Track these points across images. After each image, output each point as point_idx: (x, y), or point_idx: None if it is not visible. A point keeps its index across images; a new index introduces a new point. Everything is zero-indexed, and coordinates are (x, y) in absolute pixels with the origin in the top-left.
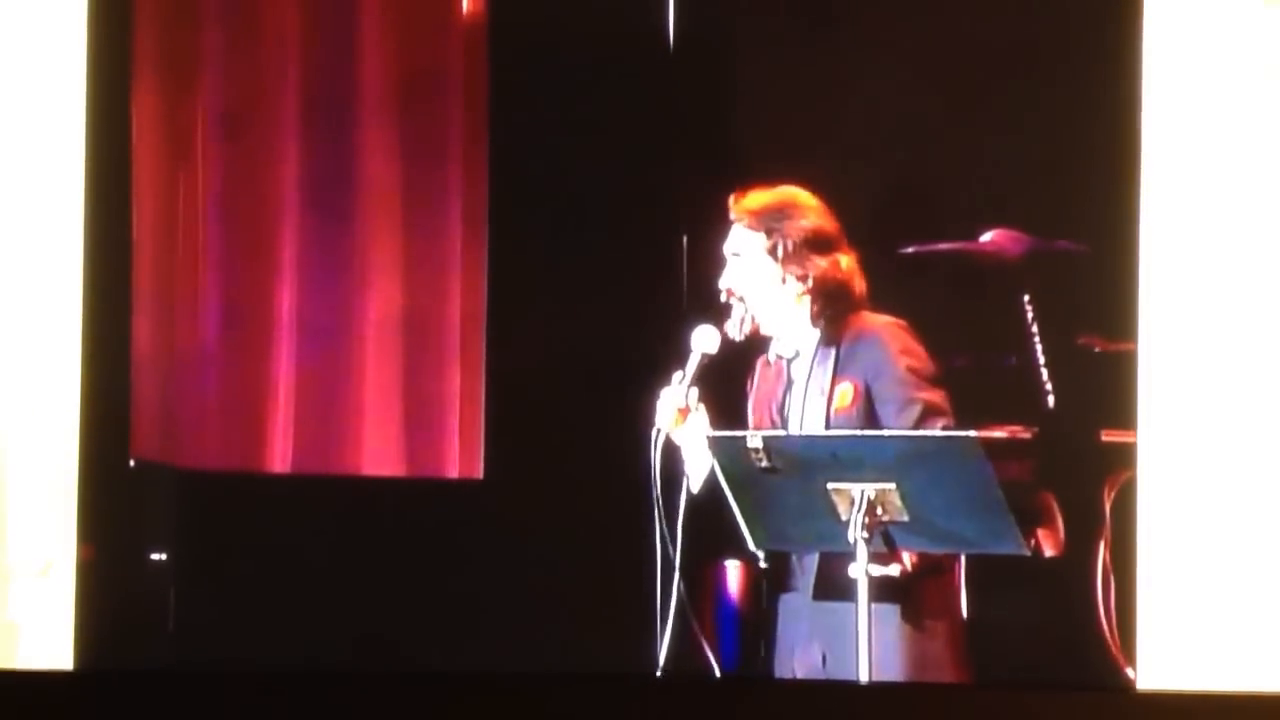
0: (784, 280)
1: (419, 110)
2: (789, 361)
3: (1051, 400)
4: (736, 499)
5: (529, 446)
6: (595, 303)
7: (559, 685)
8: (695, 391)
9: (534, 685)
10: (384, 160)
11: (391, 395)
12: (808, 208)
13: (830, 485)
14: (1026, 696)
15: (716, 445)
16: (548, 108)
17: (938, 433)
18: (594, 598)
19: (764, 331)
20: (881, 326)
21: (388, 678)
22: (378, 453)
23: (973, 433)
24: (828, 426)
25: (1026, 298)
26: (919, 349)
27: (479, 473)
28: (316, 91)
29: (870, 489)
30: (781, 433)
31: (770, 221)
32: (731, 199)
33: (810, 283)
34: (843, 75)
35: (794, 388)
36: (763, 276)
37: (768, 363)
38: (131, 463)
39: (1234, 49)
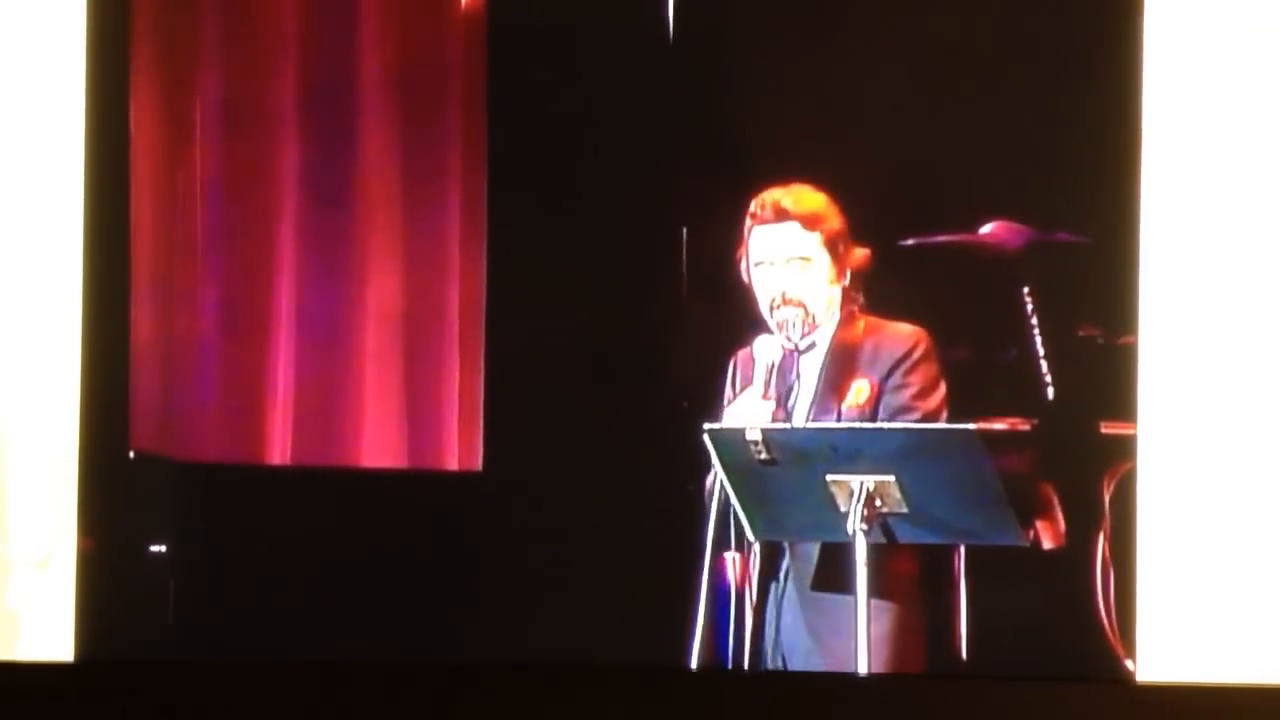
0: (837, 278)
1: (418, 102)
2: (800, 354)
3: (1051, 392)
4: (736, 490)
5: (528, 438)
6: (594, 294)
7: (558, 677)
8: (772, 404)
9: (533, 677)
10: (383, 152)
11: (390, 387)
12: (833, 204)
13: (829, 477)
14: (1025, 688)
15: (715, 437)
16: (546, 99)
17: (937, 425)
18: (593, 590)
19: (815, 330)
20: (911, 333)
21: (384, 669)
22: (377, 444)
23: (972, 425)
24: (839, 420)
25: (1026, 289)
26: (936, 360)
27: (478, 464)
28: (315, 83)
29: (869, 481)
30: (781, 425)
31: (822, 220)
32: (768, 201)
33: (848, 278)
34: (842, 68)
35: (803, 381)
36: (825, 277)
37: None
38: (131, 455)
39: (1235, 40)
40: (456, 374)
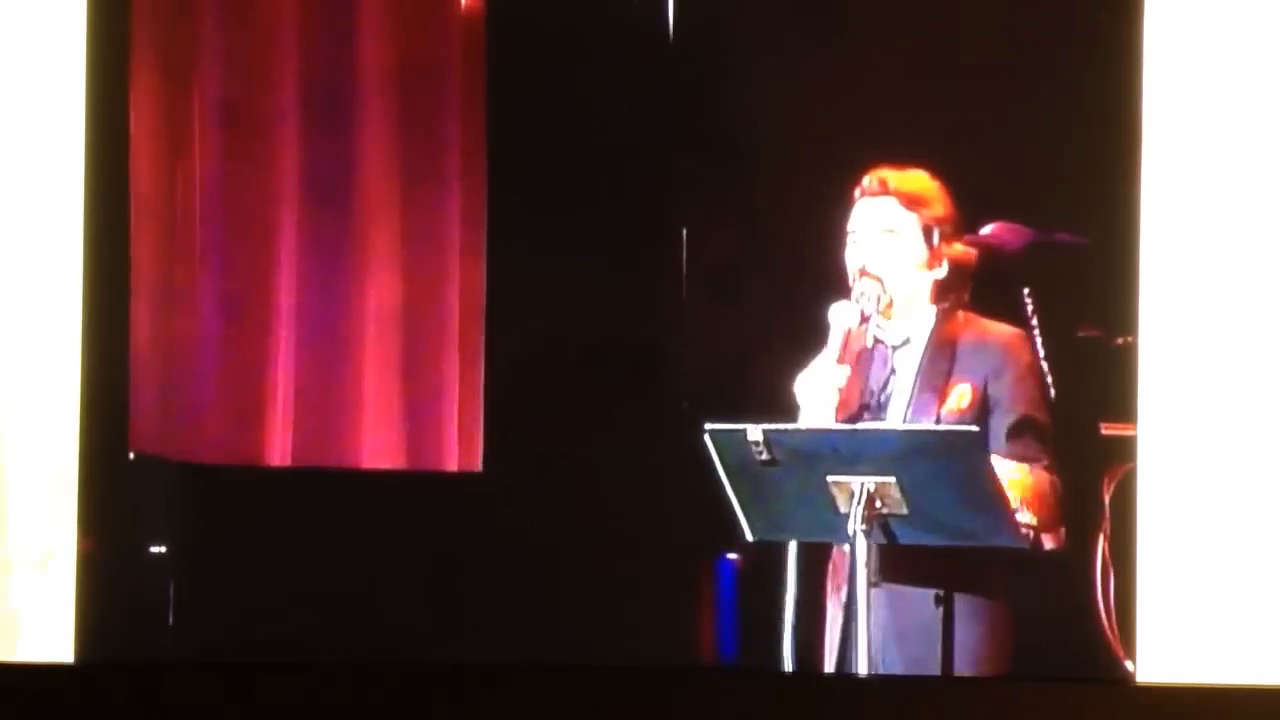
0: (929, 264)
1: (417, 102)
2: (894, 349)
3: (1051, 393)
4: (735, 490)
5: (528, 439)
6: (594, 295)
7: (558, 677)
8: (846, 369)
9: (533, 678)
10: (382, 152)
11: (390, 388)
12: (945, 193)
13: (830, 478)
14: (1026, 689)
15: (716, 438)
16: (546, 98)
17: (938, 427)
18: (593, 590)
19: (895, 313)
20: (1012, 335)
21: (385, 670)
22: (377, 445)
23: (973, 427)
24: (938, 423)
25: (1026, 290)
26: (1040, 368)
27: (478, 465)
28: (315, 83)
29: (870, 482)
30: (782, 426)
31: (923, 202)
32: (876, 175)
33: (945, 270)
34: (841, 68)
35: (898, 377)
36: (911, 257)
37: (865, 347)
38: (131, 456)
39: (1235, 39)
40: (456, 374)
